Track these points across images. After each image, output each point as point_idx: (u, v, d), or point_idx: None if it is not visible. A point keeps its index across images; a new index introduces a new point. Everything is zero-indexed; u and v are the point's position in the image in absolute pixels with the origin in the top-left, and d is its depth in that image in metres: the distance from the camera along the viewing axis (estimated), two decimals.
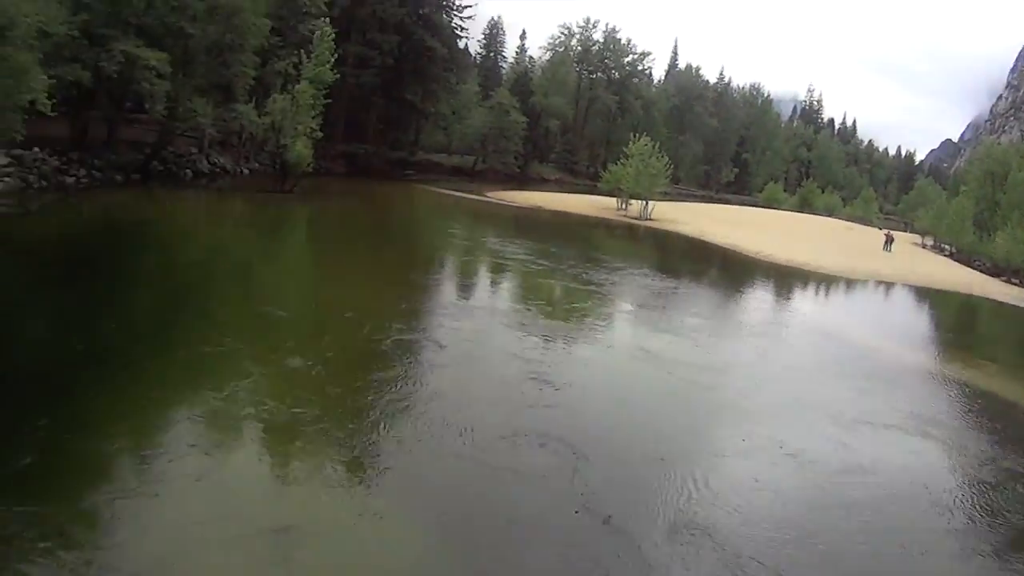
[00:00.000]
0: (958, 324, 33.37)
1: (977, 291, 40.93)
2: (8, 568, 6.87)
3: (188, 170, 38.01)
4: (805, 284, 35.34)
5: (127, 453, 9.34)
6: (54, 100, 22.64)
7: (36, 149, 26.17)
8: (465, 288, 24.26)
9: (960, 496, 11.95)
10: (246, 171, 43.96)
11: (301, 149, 37.54)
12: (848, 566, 9.43)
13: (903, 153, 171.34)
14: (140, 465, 9.03)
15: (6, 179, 23.43)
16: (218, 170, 41.41)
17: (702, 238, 47.69)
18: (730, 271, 38.02)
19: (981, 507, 11.62)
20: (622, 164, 56.36)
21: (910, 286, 39.22)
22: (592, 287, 25.48)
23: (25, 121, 21.78)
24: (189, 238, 25.94)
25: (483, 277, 26.85)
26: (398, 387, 13.04)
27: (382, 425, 11.28)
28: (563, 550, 8.75)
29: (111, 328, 13.95)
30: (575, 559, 8.61)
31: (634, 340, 19.52)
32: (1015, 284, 48.31)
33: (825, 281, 36.48)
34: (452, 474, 10.24)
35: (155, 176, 34.39)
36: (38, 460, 8.76)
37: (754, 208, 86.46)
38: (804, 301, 31.74)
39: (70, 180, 27.40)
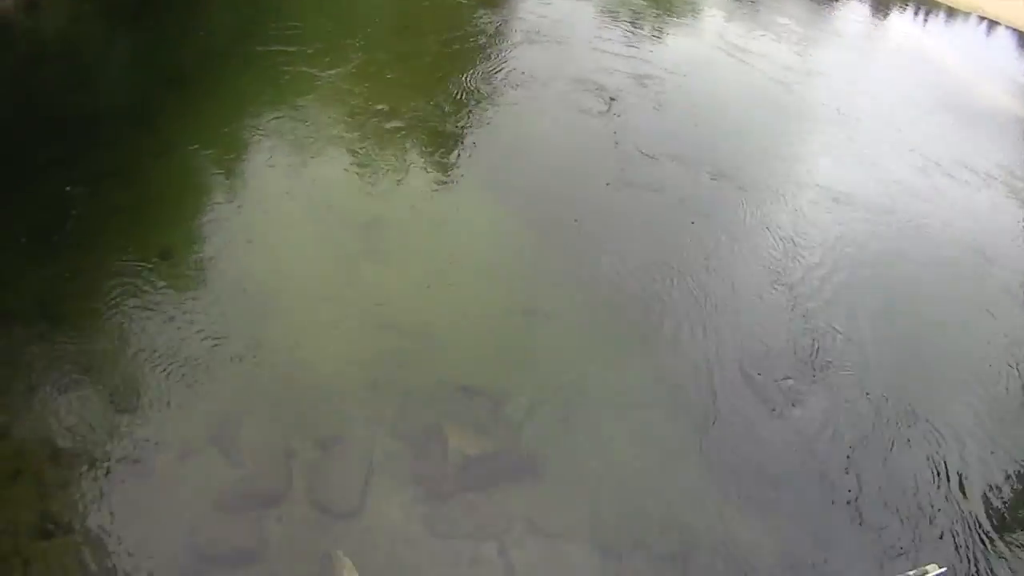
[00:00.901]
0: None
1: None
2: (123, 282, 7.24)
3: None
4: (904, 5, 31.92)
5: (216, 172, 9.33)
6: None
7: None
8: None
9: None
10: None
11: None
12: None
13: None
14: (229, 180, 9.20)
15: None
16: None
17: None
18: None
19: None
20: None
21: (1014, 30, 35.33)
22: None
23: None
24: None
25: None
26: (480, 68, 13.32)
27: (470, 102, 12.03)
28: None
29: (184, 57, 12.63)
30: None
31: (718, 33, 18.80)
32: None
33: (925, 4, 32.90)
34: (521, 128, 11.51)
35: None
36: (135, 189, 8.72)
37: None
38: (903, 22, 28.95)
39: None
